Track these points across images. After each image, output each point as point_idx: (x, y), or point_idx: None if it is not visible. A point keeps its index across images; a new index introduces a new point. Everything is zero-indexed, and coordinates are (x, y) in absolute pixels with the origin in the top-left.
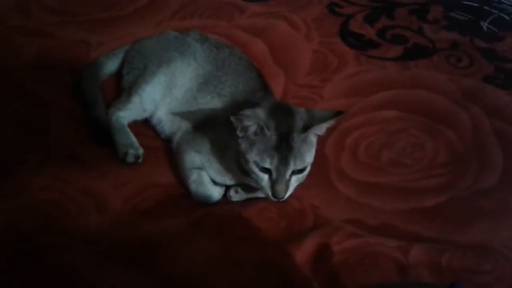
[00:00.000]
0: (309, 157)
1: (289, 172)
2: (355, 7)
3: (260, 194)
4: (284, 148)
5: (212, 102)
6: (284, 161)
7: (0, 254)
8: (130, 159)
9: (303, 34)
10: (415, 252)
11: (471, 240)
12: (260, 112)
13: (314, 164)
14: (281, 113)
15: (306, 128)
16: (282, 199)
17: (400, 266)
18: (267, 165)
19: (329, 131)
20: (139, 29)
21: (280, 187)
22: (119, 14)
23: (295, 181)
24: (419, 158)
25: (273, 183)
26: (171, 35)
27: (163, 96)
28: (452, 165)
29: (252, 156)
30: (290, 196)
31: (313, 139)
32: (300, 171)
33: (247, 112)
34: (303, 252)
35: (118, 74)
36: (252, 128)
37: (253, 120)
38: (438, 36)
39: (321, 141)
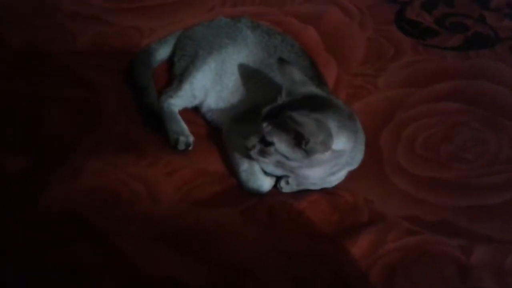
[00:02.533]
0: None
1: None
2: None
3: (311, 186)
4: None
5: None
6: None
7: (56, 237)
8: (181, 146)
9: (357, 21)
10: (478, 253)
11: None
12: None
13: (366, 157)
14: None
15: None
16: None
17: (461, 267)
18: None
19: (384, 122)
20: (190, 15)
21: None
22: (171, 1)
23: None
24: (480, 153)
25: None
26: (223, 21)
27: (214, 84)
28: None
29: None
30: (343, 188)
31: None
32: None
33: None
34: (357, 248)
35: (170, 61)
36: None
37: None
38: (501, 25)
39: (375, 132)
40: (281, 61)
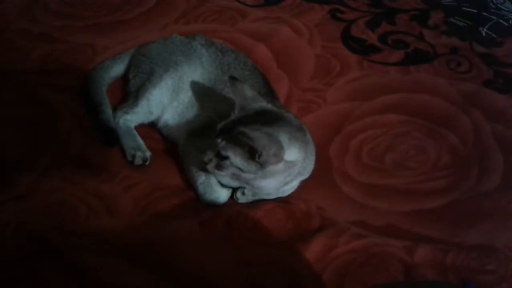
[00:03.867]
0: None
1: None
2: (356, 13)
3: (266, 196)
4: None
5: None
6: None
7: (12, 254)
8: (138, 161)
9: (306, 39)
10: (420, 252)
11: (474, 241)
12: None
13: (317, 166)
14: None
15: None
16: None
17: (406, 266)
18: None
19: (333, 134)
20: (144, 32)
21: None
22: (124, 18)
23: None
24: (422, 160)
25: None
26: (177, 39)
27: (170, 100)
28: (454, 168)
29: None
30: (296, 197)
31: None
32: None
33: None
34: (311, 252)
35: (124, 78)
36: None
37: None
38: (439, 41)
39: (325, 144)
40: (232, 79)
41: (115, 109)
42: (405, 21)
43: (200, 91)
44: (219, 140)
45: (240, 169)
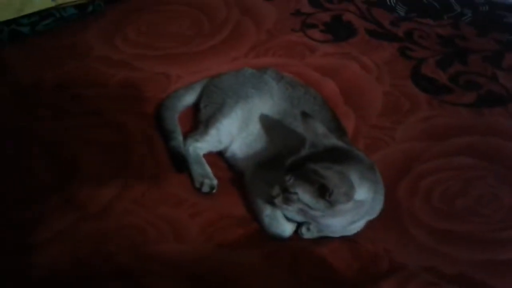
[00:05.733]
0: None
1: None
2: (427, 51)
3: (331, 234)
4: None
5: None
6: None
7: (85, 275)
8: (206, 189)
9: (374, 76)
10: None
11: None
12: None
13: (385, 207)
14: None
15: None
16: None
17: None
18: None
19: (401, 174)
20: (215, 64)
21: None
22: (196, 50)
23: None
24: (495, 208)
25: None
26: (249, 72)
27: (240, 130)
28: None
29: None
30: (362, 237)
31: None
32: None
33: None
34: None
35: (195, 107)
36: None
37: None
38: None
39: (393, 184)
40: (305, 114)
41: (185, 136)
42: (477, 61)
43: (269, 124)
44: (288, 177)
45: (308, 206)
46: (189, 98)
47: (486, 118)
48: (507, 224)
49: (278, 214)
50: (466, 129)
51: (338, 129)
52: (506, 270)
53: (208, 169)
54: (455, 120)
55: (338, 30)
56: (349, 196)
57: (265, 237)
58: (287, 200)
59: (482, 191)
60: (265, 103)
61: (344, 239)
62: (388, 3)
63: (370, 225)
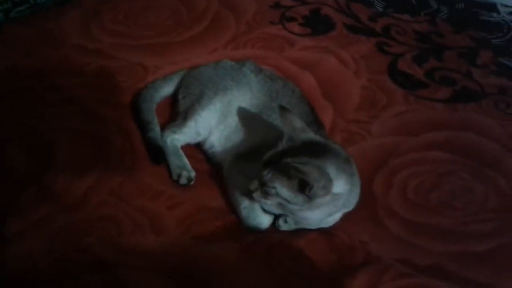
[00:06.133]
0: None
1: None
2: (404, 47)
3: (308, 226)
4: None
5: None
6: None
7: (59, 265)
8: (183, 181)
9: (352, 70)
10: None
11: None
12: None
13: (361, 199)
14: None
15: None
16: None
17: None
18: None
19: (377, 167)
20: (194, 55)
21: None
22: (175, 40)
23: None
24: (468, 201)
25: None
26: (228, 64)
27: (218, 123)
28: (501, 211)
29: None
30: (338, 229)
31: None
32: None
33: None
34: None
35: (173, 98)
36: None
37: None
38: (487, 81)
39: (369, 177)
40: (282, 108)
41: (163, 128)
42: (453, 58)
43: (248, 116)
44: (265, 172)
45: (286, 200)
46: (167, 89)
47: (461, 113)
48: (480, 217)
49: (256, 206)
50: (441, 124)
51: (315, 122)
52: (478, 261)
53: (185, 161)
54: (430, 115)
55: (317, 24)
56: (327, 189)
57: (242, 229)
58: (265, 194)
59: (456, 185)
60: (243, 95)
61: (321, 231)
62: None
63: (346, 217)
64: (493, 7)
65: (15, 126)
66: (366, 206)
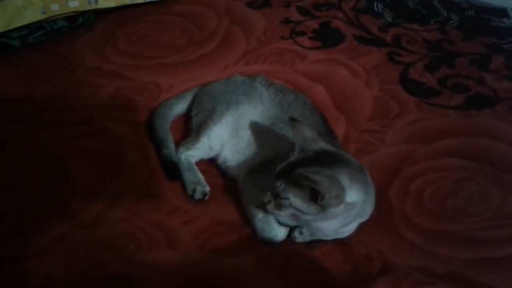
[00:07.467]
0: None
1: None
2: (415, 56)
3: (323, 237)
4: None
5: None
6: None
7: (79, 283)
8: (198, 195)
9: (364, 81)
10: None
11: None
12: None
13: (376, 209)
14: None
15: None
16: None
17: None
18: None
19: (392, 176)
20: (207, 73)
21: None
22: (187, 59)
23: None
24: (484, 207)
25: None
26: (239, 79)
27: (230, 137)
28: None
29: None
30: (354, 239)
31: None
32: None
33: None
34: None
35: (187, 115)
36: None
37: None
38: (500, 86)
39: (384, 186)
40: (293, 119)
41: (177, 144)
42: (464, 64)
43: (260, 130)
44: (278, 183)
45: (300, 210)
46: (181, 107)
47: (475, 119)
48: (497, 222)
49: (271, 218)
50: (455, 131)
51: (328, 133)
52: (496, 268)
53: (200, 176)
54: (444, 122)
55: (327, 37)
56: (340, 198)
57: (257, 242)
58: (279, 206)
59: (472, 191)
60: (255, 109)
61: (337, 242)
62: (376, 9)
63: (362, 227)
64: (503, 13)
65: (33, 147)
66: (382, 215)
